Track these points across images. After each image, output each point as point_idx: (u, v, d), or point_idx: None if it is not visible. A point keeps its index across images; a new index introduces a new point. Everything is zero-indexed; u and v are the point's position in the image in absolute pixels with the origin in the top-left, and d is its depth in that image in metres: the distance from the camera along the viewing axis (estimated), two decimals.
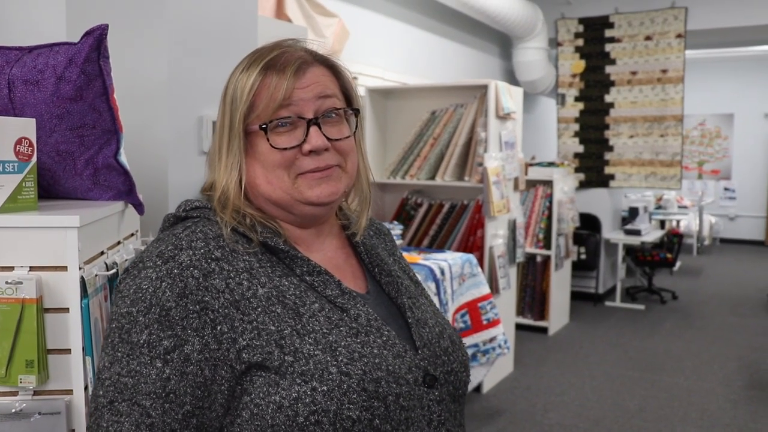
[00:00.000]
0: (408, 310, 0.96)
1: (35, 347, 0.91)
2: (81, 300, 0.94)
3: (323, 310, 0.87)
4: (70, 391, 0.94)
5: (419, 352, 0.91)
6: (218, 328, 0.81)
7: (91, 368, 0.95)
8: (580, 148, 6.40)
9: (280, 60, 0.91)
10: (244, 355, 0.81)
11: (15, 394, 0.92)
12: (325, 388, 0.80)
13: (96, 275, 0.99)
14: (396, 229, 3.50)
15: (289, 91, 0.90)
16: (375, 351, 0.85)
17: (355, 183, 1.00)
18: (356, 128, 0.97)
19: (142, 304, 0.81)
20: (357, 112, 0.98)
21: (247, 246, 0.89)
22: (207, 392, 0.81)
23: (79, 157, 1.11)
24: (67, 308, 0.93)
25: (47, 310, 0.93)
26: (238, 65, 0.95)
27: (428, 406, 0.88)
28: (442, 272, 3.16)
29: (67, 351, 0.94)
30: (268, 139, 0.90)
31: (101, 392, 0.81)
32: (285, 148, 0.90)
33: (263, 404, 0.80)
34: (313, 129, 0.90)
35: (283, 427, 0.79)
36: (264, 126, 0.90)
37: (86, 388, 0.95)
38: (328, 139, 0.91)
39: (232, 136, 0.91)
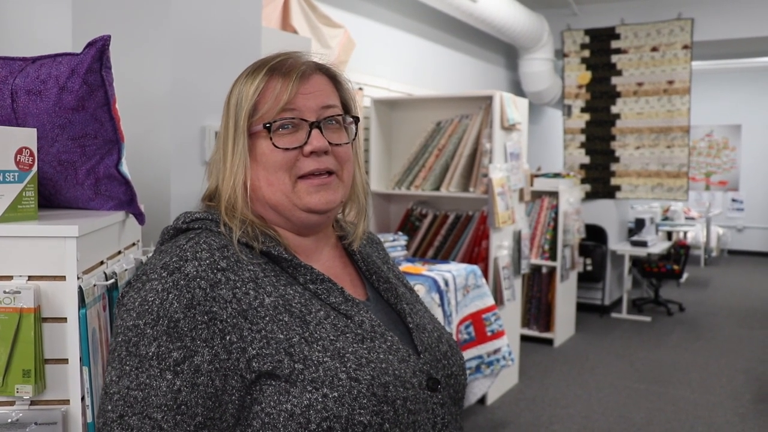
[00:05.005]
0: (408, 315, 0.97)
1: (32, 357, 0.91)
2: (79, 310, 0.94)
3: (329, 318, 0.87)
4: (66, 401, 0.94)
5: (421, 356, 0.92)
6: (227, 338, 0.81)
7: (88, 378, 0.95)
8: (586, 159, 6.39)
9: (285, 64, 0.94)
10: (254, 364, 0.81)
11: (12, 403, 0.92)
12: (335, 394, 0.80)
13: (94, 285, 0.99)
14: (400, 240, 3.49)
15: (293, 94, 0.92)
16: (381, 356, 0.86)
17: (351, 193, 1.01)
18: (355, 137, 0.99)
19: (149, 316, 0.81)
20: (357, 120, 0.99)
21: (250, 256, 0.89)
22: (218, 403, 0.80)
23: (80, 167, 1.11)
24: (65, 318, 0.93)
25: (45, 319, 0.93)
26: (242, 73, 0.97)
27: (432, 410, 0.89)
28: (446, 283, 3.14)
29: (65, 361, 0.94)
30: (271, 139, 0.91)
31: (110, 407, 0.80)
32: (287, 149, 0.91)
33: (274, 413, 0.80)
34: (315, 131, 0.92)
35: None
36: (268, 125, 0.91)
37: (83, 398, 0.95)
38: (329, 143, 0.93)
39: (237, 136, 0.92)
